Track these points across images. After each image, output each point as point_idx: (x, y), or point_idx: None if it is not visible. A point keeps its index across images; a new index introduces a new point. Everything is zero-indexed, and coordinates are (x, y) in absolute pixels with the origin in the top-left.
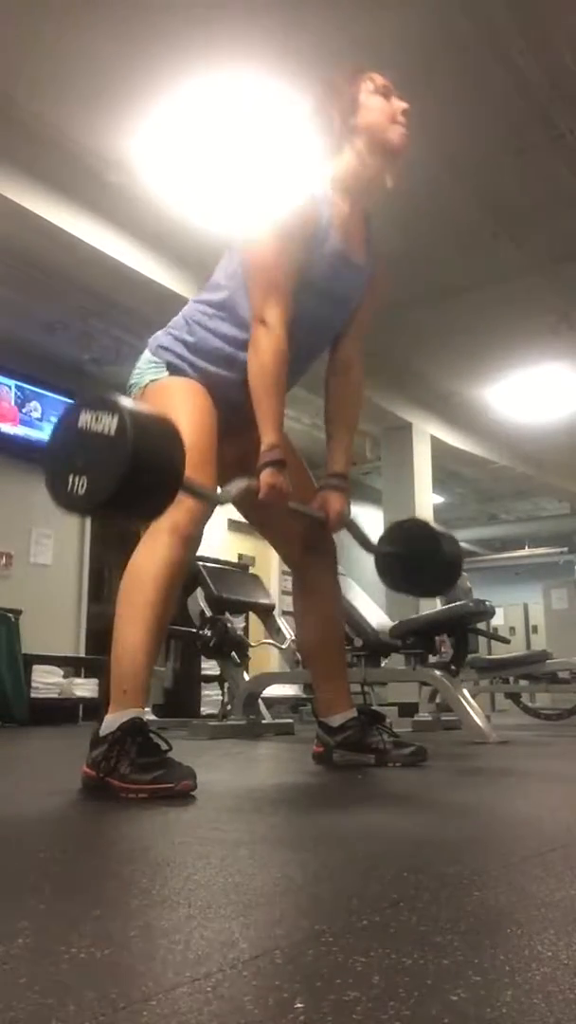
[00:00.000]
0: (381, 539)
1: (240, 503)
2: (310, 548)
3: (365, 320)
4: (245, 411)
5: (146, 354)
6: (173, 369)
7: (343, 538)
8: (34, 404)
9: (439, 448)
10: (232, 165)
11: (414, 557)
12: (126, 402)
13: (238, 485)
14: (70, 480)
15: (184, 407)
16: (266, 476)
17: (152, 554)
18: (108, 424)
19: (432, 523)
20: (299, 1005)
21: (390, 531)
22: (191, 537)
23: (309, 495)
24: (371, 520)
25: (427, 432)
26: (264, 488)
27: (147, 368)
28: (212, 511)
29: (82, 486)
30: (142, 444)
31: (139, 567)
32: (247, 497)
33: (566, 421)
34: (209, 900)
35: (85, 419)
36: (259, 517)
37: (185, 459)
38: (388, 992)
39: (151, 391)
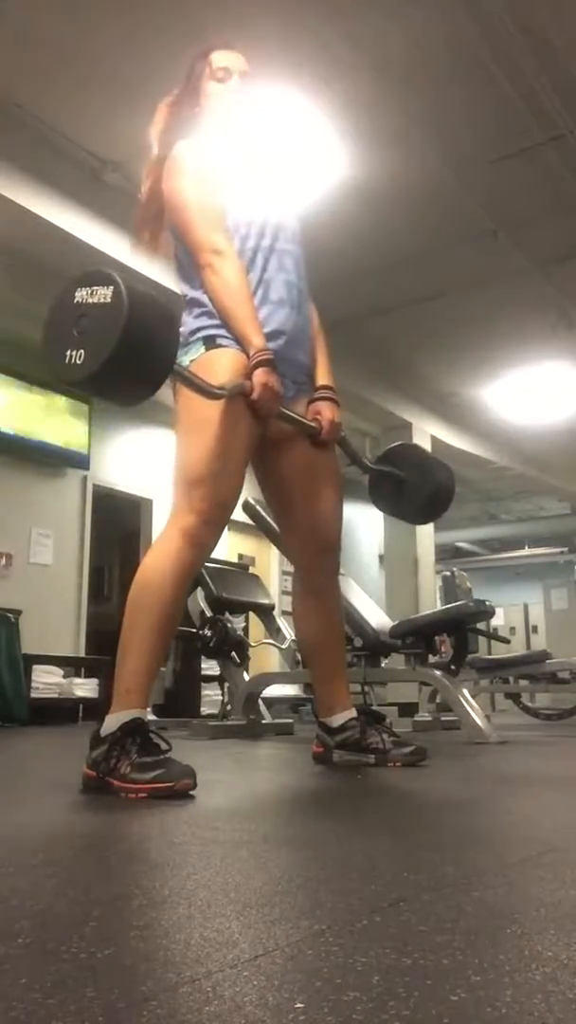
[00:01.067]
0: (377, 459)
1: (263, 479)
2: (319, 549)
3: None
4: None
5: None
6: (208, 341)
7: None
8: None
9: (439, 448)
10: (231, 163)
11: (408, 479)
12: (121, 273)
13: (232, 383)
14: (68, 354)
15: (217, 411)
16: (258, 376)
17: (164, 557)
18: (103, 294)
19: (428, 451)
20: (299, 1005)
21: (386, 454)
22: (204, 544)
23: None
24: (371, 520)
25: (427, 432)
26: (258, 387)
27: (181, 356)
28: (228, 514)
29: (79, 357)
30: (137, 309)
31: (151, 569)
32: (241, 389)
33: (566, 421)
34: (209, 900)
35: (81, 294)
36: (279, 507)
37: (178, 338)
38: (388, 992)
39: (199, 365)
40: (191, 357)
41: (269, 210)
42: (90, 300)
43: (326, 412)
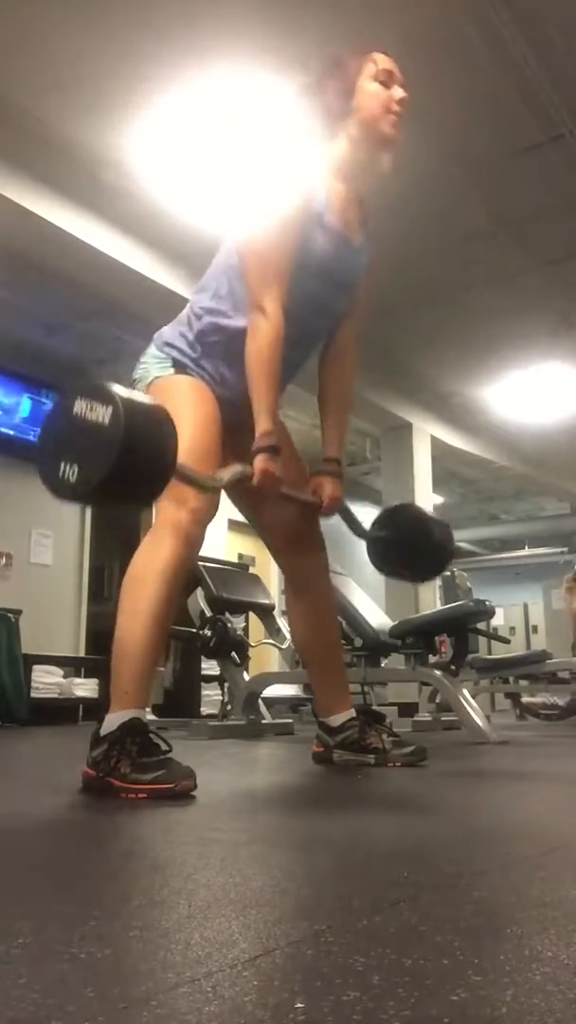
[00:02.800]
0: (373, 524)
1: (234, 493)
2: (301, 548)
3: (363, 303)
4: (247, 409)
5: (151, 349)
6: (179, 366)
7: (341, 536)
8: (35, 404)
9: (439, 448)
10: (230, 163)
11: (405, 542)
12: (120, 391)
13: (232, 470)
14: (62, 467)
15: (189, 407)
16: (259, 462)
17: (154, 553)
18: (102, 413)
19: (423, 509)
20: (299, 1005)
21: (382, 516)
22: (194, 537)
23: (303, 484)
24: (371, 520)
25: (427, 432)
26: (258, 474)
27: (152, 363)
28: (215, 512)
29: (73, 474)
30: (134, 433)
31: (141, 566)
32: (240, 483)
33: (566, 421)
34: (209, 900)
35: (79, 407)
36: (251, 507)
37: (177, 447)
38: (388, 992)
39: (156, 388)
40: (156, 374)
41: (337, 264)
42: (88, 416)
43: (327, 488)
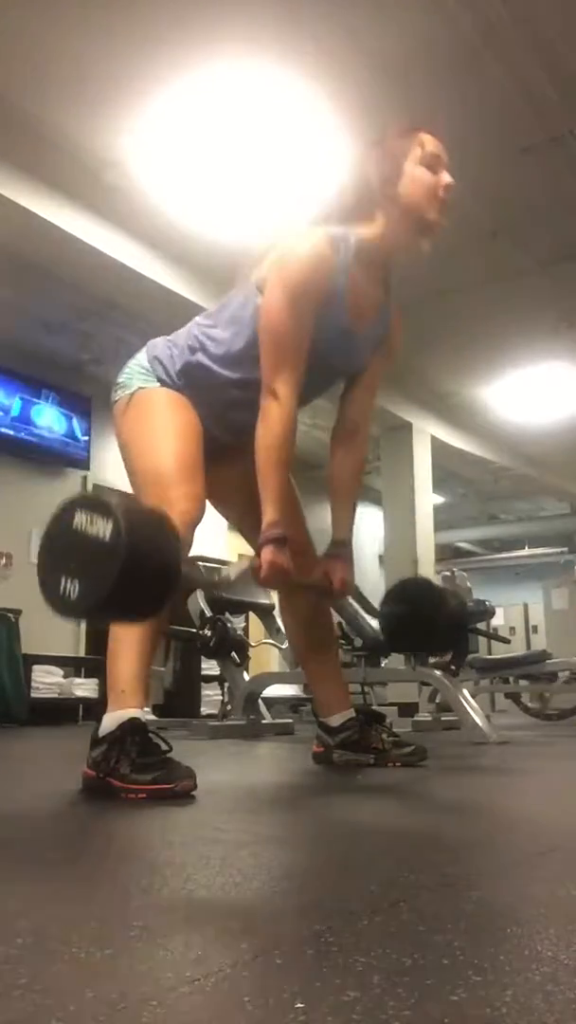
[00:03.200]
0: (384, 601)
1: (218, 504)
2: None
3: (375, 379)
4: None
5: (141, 357)
6: (162, 383)
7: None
8: (35, 404)
9: (439, 448)
10: (230, 163)
11: (419, 616)
12: (121, 506)
13: (239, 566)
14: (62, 582)
15: (170, 418)
16: (267, 554)
17: None
18: (102, 528)
19: (432, 581)
20: (299, 1005)
21: (393, 592)
22: (184, 541)
23: (307, 546)
24: (371, 520)
25: (427, 432)
26: (265, 567)
27: (137, 374)
28: (203, 516)
29: (74, 590)
30: (136, 550)
31: None
32: (247, 571)
33: (566, 421)
34: (209, 900)
35: (80, 519)
36: (235, 520)
37: (180, 552)
38: (388, 992)
39: (138, 398)
40: (140, 385)
41: (335, 354)
42: (89, 530)
43: (338, 572)
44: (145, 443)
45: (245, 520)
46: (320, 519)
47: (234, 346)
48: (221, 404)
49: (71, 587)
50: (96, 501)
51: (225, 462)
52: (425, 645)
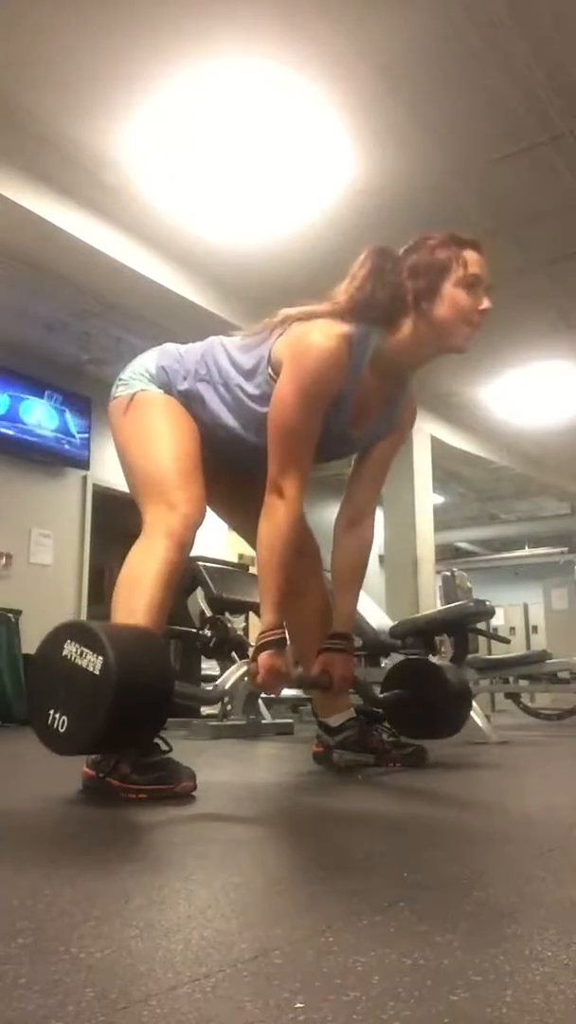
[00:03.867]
0: (384, 682)
1: (219, 507)
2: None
3: (382, 468)
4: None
5: (149, 360)
6: (164, 389)
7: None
8: (35, 405)
9: (439, 448)
10: (229, 163)
11: (420, 698)
12: (111, 638)
13: (236, 672)
14: (50, 715)
15: (168, 421)
16: (264, 659)
17: (148, 558)
18: (92, 662)
19: (432, 660)
20: (299, 1005)
21: (392, 675)
22: (185, 541)
23: (316, 566)
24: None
25: (427, 432)
26: (262, 671)
27: (140, 376)
28: (204, 517)
29: (62, 724)
30: (125, 692)
31: (135, 570)
32: (250, 675)
33: (566, 421)
34: (209, 900)
35: (70, 649)
36: (235, 523)
37: (172, 674)
38: (388, 992)
39: (139, 400)
40: (141, 387)
41: (325, 448)
42: (78, 661)
43: (338, 668)
44: (145, 445)
45: (237, 515)
46: (321, 518)
47: (231, 401)
48: (210, 433)
49: (59, 721)
50: (85, 631)
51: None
52: (430, 728)
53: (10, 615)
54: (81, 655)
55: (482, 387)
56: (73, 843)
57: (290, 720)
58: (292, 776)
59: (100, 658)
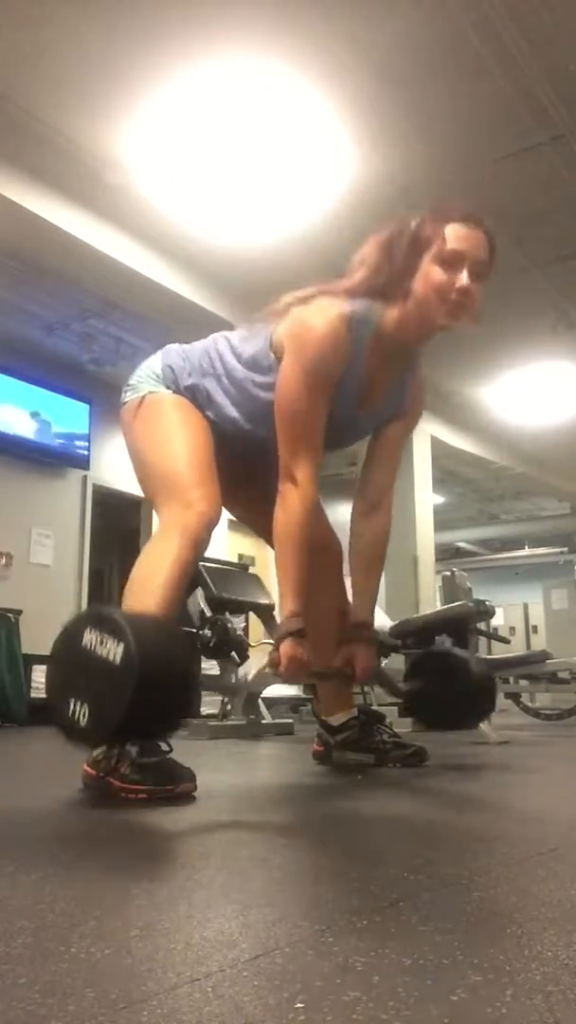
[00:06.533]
0: (406, 677)
1: (229, 504)
2: (315, 549)
3: (394, 452)
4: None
5: (155, 362)
6: (172, 388)
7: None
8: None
9: (439, 448)
10: (230, 163)
11: (446, 690)
12: (131, 623)
13: (257, 664)
14: (71, 705)
15: (179, 420)
16: (286, 648)
17: (162, 556)
18: (113, 650)
19: (454, 650)
20: (299, 1005)
21: (413, 667)
22: (200, 540)
23: (329, 540)
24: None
25: (427, 432)
26: (284, 661)
27: (148, 378)
28: (220, 516)
29: (84, 715)
30: (147, 679)
31: (148, 568)
32: (266, 668)
33: (566, 421)
34: (209, 900)
35: (90, 638)
36: (247, 517)
37: (196, 659)
38: (388, 992)
39: (149, 402)
40: (150, 389)
41: (333, 433)
42: (98, 651)
43: (361, 659)
44: (158, 446)
45: (248, 510)
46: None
47: (233, 391)
48: (218, 428)
49: (81, 711)
50: (107, 618)
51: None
52: (455, 719)
53: (10, 615)
54: (102, 643)
55: (482, 387)
56: (73, 843)
57: (290, 720)
58: (292, 776)
59: (120, 646)
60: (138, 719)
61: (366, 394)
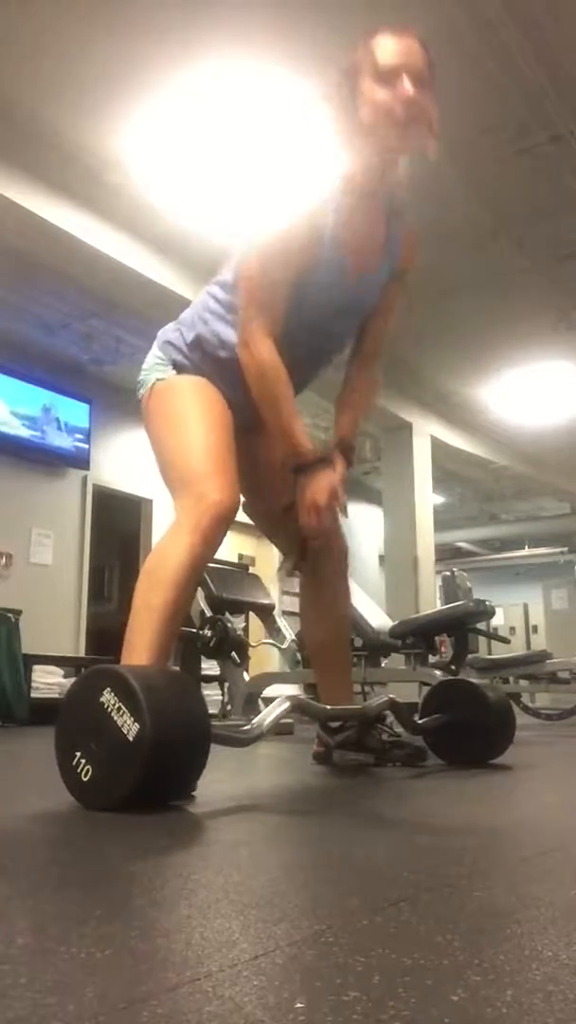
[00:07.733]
0: (423, 709)
1: (252, 511)
2: (322, 549)
3: (389, 306)
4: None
5: (154, 349)
6: (179, 367)
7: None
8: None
9: (439, 448)
10: (230, 163)
11: (462, 722)
12: (150, 703)
13: (274, 710)
14: (76, 758)
15: (195, 408)
16: (321, 480)
17: (174, 549)
18: (127, 724)
19: (471, 680)
20: (299, 1005)
21: (429, 698)
22: (214, 536)
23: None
24: (371, 520)
25: (427, 432)
26: (321, 494)
27: (154, 366)
28: (236, 512)
29: (86, 772)
30: (157, 764)
31: (159, 561)
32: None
33: (566, 421)
34: (209, 900)
35: (108, 698)
36: (266, 527)
37: (209, 741)
38: (388, 992)
39: (158, 391)
40: (157, 376)
41: (337, 293)
42: (114, 716)
43: (339, 466)
44: (171, 436)
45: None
46: None
47: (220, 329)
48: (233, 371)
49: (83, 768)
50: (130, 686)
51: (257, 432)
52: (476, 752)
53: (10, 615)
54: (119, 711)
55: (482, 387)
56: (72, 843)
57: (290, 720)
58: (292, 776)
59: (136, 724)
60: (142, 794)
61: (354, 247)
